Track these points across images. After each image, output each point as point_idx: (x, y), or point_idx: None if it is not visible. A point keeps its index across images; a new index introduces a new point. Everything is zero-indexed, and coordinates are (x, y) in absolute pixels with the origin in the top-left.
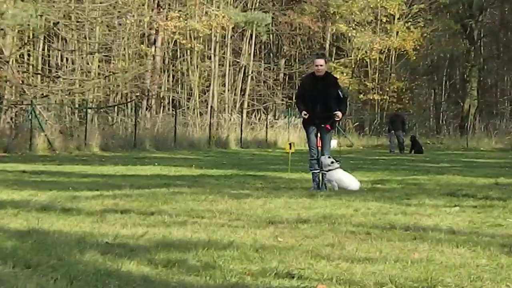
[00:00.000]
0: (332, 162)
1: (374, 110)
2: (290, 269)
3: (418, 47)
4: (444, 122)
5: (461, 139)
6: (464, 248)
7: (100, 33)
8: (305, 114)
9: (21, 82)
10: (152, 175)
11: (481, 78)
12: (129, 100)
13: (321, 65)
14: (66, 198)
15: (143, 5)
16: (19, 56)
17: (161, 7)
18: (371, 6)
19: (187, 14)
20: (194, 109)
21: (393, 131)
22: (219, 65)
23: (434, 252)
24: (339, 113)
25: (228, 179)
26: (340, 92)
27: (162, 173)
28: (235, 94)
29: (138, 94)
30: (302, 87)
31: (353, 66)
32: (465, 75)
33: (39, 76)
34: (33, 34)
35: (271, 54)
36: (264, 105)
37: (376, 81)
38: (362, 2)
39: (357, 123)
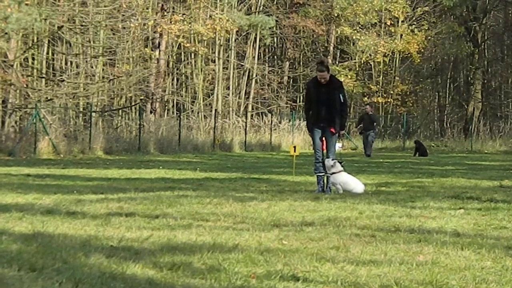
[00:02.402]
0: (335, 163)
1: (378, 113)
2: (295, 272)
3: (422, 50)
4: (448, 124)
5: (465, 141)
6: (469, 251)
7: (104, 36)
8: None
9: (25, 85)
10: (156, 178)
11: (485, 81)
12: (133, 103)
13: (324, 77)
14: (70, 201)
15: (147, 8)
16: (24, 59)
17: (165, 10)
18: (376, 9)
19: (191, 17)
20: (198, 112)
21: (363, 132)
22: (223, 68)
23: (439, 255)
24: (342, 132)
25: (233, 182)
26: (341, 97)
27: (167, 176)
28: (239, 97)
29: (142, 97)
30: (307, 92)
31: (357, 69)
32: (469, 78)
33: (43, 79)
34: (37, 38)
35: (275, 57)
36: (268, 108)
37: (380, 84)
38: (366, 5)
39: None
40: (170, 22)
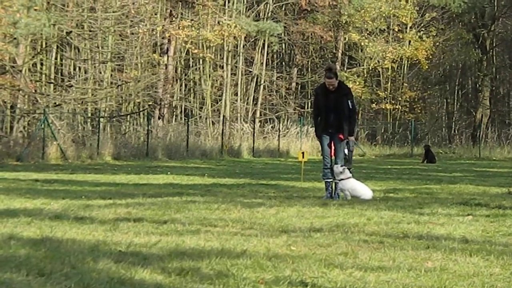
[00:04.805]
0: (344, 169)
1: (387, 119)
2: (304, 277)
3: (430, 56)
4: (456, 131)
5: (473, 148)
6: (478, 257)
7: (113, 42)
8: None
9: (34, 91)
10: (164, 184)
11: (493, 88)
12: (141, 109)
13: (332, 84)
14: (79, 206)
15: (155, 14)
16: (32, 65)
17: (174, 16)
18: (383, 15)
19: (199, 23)
20: (206, 118)
21: None
22: (231, 74)
23: (448, 261)
24: (352, 138)
25: (241, 188)
26: (350, 103)
27: (175, 182)
28: (247, 103)
29: (150, 103)
30: (315, 99)
31: (365, 75)
32: (477, 85)
33: (51, 85)
34: (46, 43)
35: (284, 64)
36: (276, 114)
37: (389, 90)
38: (374, 11)
39: (368, 132)
40: (178, 28)
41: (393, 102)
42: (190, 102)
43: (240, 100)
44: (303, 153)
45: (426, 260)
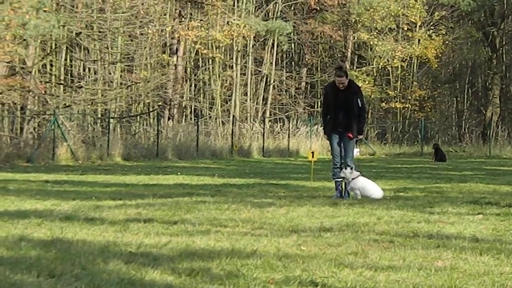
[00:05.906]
0: (352, 169)
1: (396, 118)
2: (314, 277)
3: (440, 55)
4: (466, 130)
5: (483, 147)
6: (488, 256)
7: (122, 43)
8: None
9: (43, 92)
10: (174, 184)
11: (503, 86)
12: (151, 109)
13: (342, 83)
14: (89, 207)
15: (164, 14)
16: (42, 66)
17: (183, 16)
18: (393, 14)
19: (209, 23)
20: (216, 118)
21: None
22: (241, 74)
23: (458, 260)
24: (360, 136)
25: (251, 188)
26: (359, 101)
27: (185, 182)
28: (257, 103)
29: (160, 103)
30: (325, 97)
31: (375, 74)
32: (487, 83)
33: (61, 86)
34: (55, 45)
35: (293, 63)
36: (286, 114)
37: (398, 89)
38: (383, 10)
39: (378, 131)
40: (188, 29)
41: (402, 101)
42: (199, 102)
43: (250, 100)
44: (313, 152)
45: (436, 259)
